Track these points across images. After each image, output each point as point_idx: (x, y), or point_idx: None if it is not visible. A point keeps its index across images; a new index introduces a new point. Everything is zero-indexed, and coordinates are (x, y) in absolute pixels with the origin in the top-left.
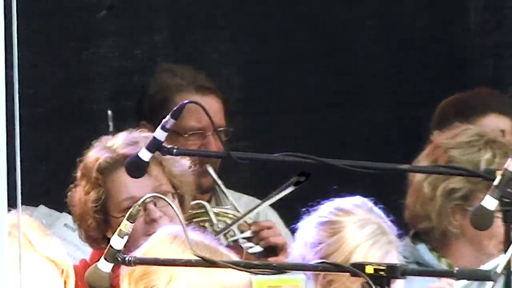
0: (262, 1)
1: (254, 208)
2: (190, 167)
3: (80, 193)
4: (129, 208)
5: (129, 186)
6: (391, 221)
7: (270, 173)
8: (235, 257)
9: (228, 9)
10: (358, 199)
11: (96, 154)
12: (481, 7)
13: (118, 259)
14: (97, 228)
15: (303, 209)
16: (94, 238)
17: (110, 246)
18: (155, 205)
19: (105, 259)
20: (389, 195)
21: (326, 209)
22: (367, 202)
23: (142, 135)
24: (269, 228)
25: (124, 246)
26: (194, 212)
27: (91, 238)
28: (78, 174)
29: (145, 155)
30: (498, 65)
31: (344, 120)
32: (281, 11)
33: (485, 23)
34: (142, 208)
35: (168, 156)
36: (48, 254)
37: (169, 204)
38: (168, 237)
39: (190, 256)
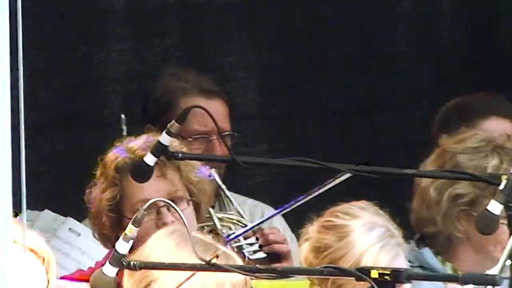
0: (278, 2)
1: (269, 217)
2: (210, 175)
3: (97, 191)
4: None
5: (145, 189)
6: (397, 224)
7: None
8: (237, 257)
9: (243, 10)
10: (364, 203)
11: (116, 153)
12: None
13: (123, 264)
14: (110, 227)
15: (309, 215)
16: (107, 237)
17: (115, 250)
18: (168, 210)
19: (110, 263)
20: (395, 199)
21: (333, 213)
22: (373, 206)
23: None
24: (273, 234)
25: (133, 250)
26: None
27: (104, 236)
28: (98, 172)
29: (150, 160)
30: None
31: (364, 124)
32: (299, 13)
33: None
34: (155, 211)
35: (186, 162)
36: (28, 244)
37: (174, 208)
38: (164, 232)
39: (185, 250)
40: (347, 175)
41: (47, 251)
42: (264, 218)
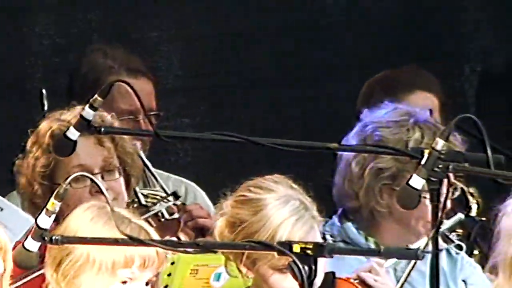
0: None
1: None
2: (142, 149)
3: (29, 160)
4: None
5: (80, 155)
6: (320, 199)
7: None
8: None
9: None
10: (277, 177)
11: (49, 124)
12: None
13: (45, 238)
14: (43, 195)
15: (224, 190)
16: (38, 207)
17: (37, 225)
18: (102, 177)
19: (32, 238)
20: (318, 174)
21: (246, 187)
22: (287, 179)
23: (95, 112)
24: (197, 209)
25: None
26: None
27: (35, 206)
28: (29, 143)
29: (72, 134)
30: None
31: (281, 95)
32: None
33: None
34: (89, 180)
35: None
36: None
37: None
38: (84, 206)
39: (110, 229)
40: None
41: (4, 240)
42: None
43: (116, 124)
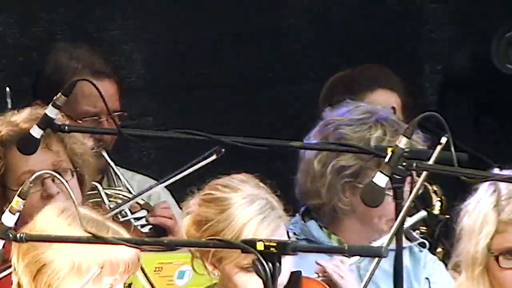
0: None
1: (149, 189)
2: (93, 148)
3: None
4: None
5: (29, 160)
6: (283, 197)
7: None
8: (125, 233)
9: None
10: (244, 175)
11: None
12: None
13: (9, 236)
14: None
15: (191, 188)
16: None
17: (2, 222)
18: (53, 181)
19: None
20: (280, 172)
21: (213, 186)
22: (253, 178)
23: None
24: (160, 209)
25: (18, 221)
26: (88, 193)
27: None
28: None
29: (36, 132)
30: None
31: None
32: None
33: None
34: (40, 183)
35: (70, 134)
36: None
37: (60, 180)
38: (55, 211)
39: (77, 229)
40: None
41: None
42: (144, 190)
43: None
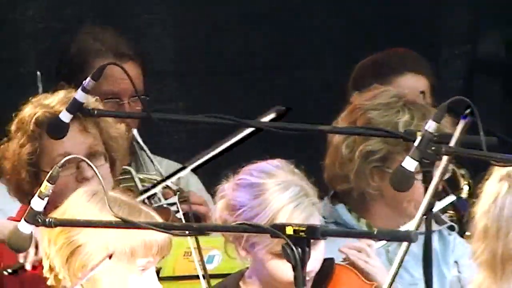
0: None
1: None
2: (126, 132)
3: (14, 146)
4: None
5: (65, 143)
6: (312, 182)
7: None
8: (157, 216)
9: None
10: (279, 161)
11: (33, 109)
12: None
13: (38, 221)
14: (30, 181)
15: (225, 172)
16: (25, 193)
17: (31, 207)
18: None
19: (25, 220)
20: (309, 156)
21: (248, 171)
22: (288, 164)
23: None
24: (192, 196)
25: (50, 205)
26: (120, 178)
27: (22, 192)
28: (13, 128)
29: (66, 117)
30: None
31: (275, 81)
32: None
33: None
34: (75, 165)
35: (105, 118)
36: None
37: (89, 165)
38: (86, 195)
39: (108, 213)
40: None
41: None
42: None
43: (101, 107)
